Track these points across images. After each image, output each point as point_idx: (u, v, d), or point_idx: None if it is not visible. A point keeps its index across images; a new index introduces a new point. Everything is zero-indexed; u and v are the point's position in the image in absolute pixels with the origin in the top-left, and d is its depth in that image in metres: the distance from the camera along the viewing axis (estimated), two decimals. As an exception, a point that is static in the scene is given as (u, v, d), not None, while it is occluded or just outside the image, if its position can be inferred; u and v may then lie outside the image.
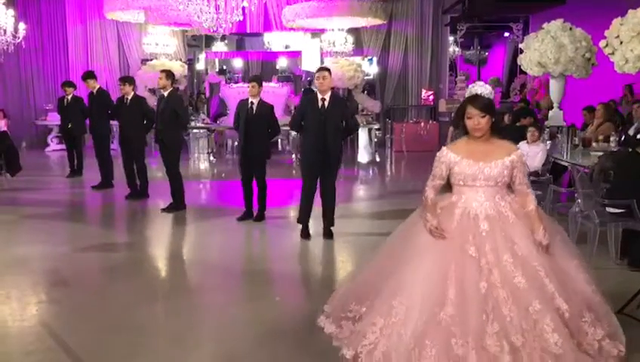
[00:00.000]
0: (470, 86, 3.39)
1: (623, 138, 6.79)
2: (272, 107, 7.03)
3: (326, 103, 6.10)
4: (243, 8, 8.28)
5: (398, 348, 3.02)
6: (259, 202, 7.12)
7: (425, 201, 3.38)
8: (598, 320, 3.17)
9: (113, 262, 5.80)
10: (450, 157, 3.30)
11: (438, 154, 3.38)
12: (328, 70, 6.22)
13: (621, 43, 6.52)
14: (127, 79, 8.87)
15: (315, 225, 6.47)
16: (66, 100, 10.44)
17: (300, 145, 6.93)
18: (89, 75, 9.79)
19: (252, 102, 6.93)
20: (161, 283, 5.39)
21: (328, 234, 6.35)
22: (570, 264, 3.30)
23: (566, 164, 6.93)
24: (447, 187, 3.43)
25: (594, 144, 7.51)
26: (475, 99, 3.27)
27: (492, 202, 3.27)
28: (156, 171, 9.47)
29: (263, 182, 7.06)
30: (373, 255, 3.68)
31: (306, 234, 6.38)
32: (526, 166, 3.42)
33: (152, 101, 10.39)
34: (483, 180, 3.25)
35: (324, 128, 6.06)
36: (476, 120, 3.24)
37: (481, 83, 3.38)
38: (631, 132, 6.61)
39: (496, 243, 3.16)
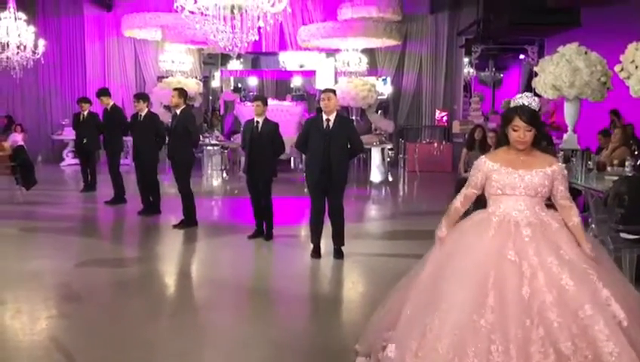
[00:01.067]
0: (517, 97, 3.29)
1: (638, 163, 6.71)
2: (276, 125, 7.00)
3: (331, 124, 6.12)
4: (259, 28, 8.35)
5: None
6: (266, 221, 7.12)
7: (449, 208, 3.33)
8: None
9: (124, 278, 5.81)
10: (489, 165, 3.22)
11: (475, 162, 3.32)
12: (333, 91, 6.25)
13: (636, 67, 6.51)
14: (141, 96, 8.97)
15: (327, 244, 6.44)
16: (81, 116, 10.58)
17: (305, 165, 6.93)
18: (103, 93, 9.93)
19: (257, 122, 6.96)
20: (170, 300, 5.38)
21: (338, 254, 6.31)
22: (623, 278, 3.18)
23: (580, 188, 6.85)
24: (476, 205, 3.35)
25: (609, 168, 7.42)
26: (523, 111, 3.16)
27: (532, 211, 3.14)
28: (169, 188, 9.52)
29: (269, 200, 7.05)
30: (399, 282, 3.51)
31: (317, 253, 6.36)
32: (567, 180, 3.28)
33: (167, 118, 10.49)
34: (523, 188, 3.14)
35: (329, 149, 6.07)
36: (522, 133, 3.14)
37: (529, 94, 3.29)
38: (646, 157, 6.55)
39: (540, 247, 3.00)
